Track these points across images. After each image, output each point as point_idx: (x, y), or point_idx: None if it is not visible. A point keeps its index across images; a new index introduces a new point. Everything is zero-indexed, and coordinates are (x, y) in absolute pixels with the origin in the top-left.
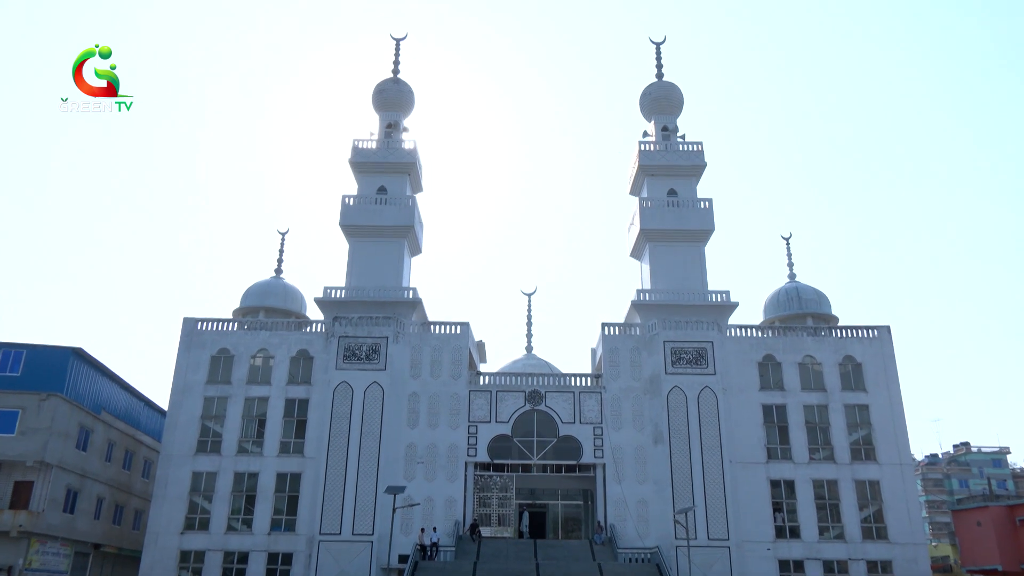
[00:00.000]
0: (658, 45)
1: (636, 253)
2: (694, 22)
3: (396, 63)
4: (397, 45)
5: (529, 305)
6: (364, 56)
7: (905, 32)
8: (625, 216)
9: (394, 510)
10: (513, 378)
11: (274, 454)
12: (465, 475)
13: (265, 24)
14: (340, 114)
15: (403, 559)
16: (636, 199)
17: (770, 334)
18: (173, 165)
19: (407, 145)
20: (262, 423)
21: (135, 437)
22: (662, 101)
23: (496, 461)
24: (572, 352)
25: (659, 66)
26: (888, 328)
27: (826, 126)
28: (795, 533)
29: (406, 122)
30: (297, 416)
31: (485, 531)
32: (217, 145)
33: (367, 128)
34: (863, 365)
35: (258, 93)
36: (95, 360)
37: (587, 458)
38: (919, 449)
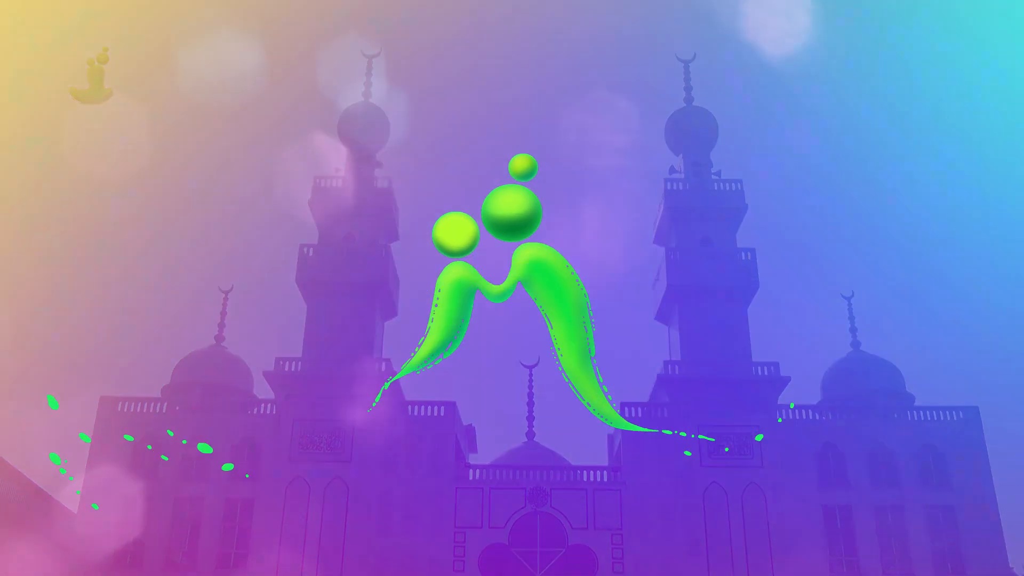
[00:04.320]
0: (686, 64)
1: (663, 316)
2: (728, 35)
3: (367, 84)
4: (369, 63)
5: (530, 380)
6: (328, 75)
7: (995, 47)
8: (649, 270)
9: None
10: (511, 472)
11: (210, 569)
12: None
13: (209, 31)
14: (298, 146)
15: None
16: (662, 249)
17: (830, 417)
18: (89, 201)
19: (380, 183)
20: (195, 530)
21: None
22: (692, 131)
23: None
24: (584, 439)
25: (688, 88)
26: (976, 409)
27: (889, 163)
28: None
29: (379, 155)
30: (239, 521)
31: None
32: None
33: (331, 163)
34: (946, 456)
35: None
36: None
37: (604, 573)
38: (1020, 561)
